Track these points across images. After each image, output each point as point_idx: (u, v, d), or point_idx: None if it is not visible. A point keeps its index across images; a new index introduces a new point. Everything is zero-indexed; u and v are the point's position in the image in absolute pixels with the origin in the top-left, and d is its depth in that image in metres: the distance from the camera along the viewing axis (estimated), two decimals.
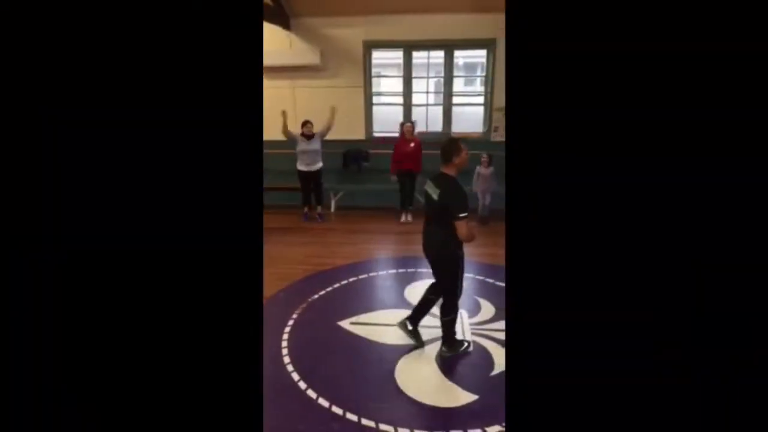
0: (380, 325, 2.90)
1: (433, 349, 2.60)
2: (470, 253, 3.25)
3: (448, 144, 2.34)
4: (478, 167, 5.08)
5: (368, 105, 5.88)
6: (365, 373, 2.40)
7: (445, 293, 2.48)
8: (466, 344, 2.62)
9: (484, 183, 5.07)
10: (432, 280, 2.61)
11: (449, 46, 5.64)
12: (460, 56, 6.52)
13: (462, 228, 2.21)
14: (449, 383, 2.32)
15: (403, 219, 5.31)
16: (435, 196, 2.29)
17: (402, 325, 2.68)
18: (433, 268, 2.50)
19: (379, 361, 2.50)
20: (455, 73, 5.96)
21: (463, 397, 2.19)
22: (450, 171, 2.31)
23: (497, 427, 1.98)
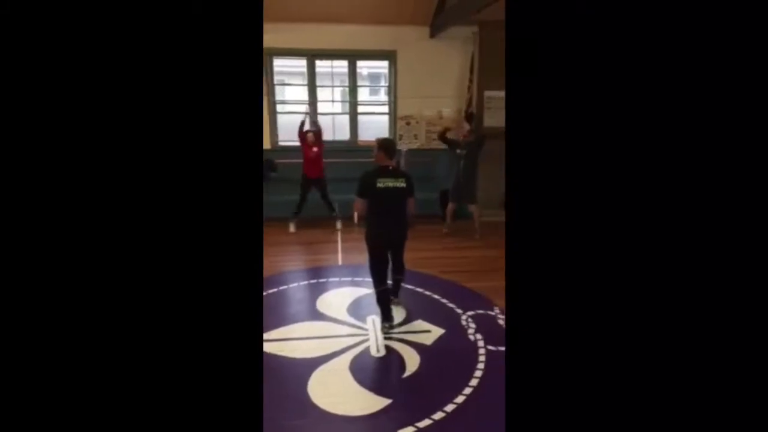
0: (292, 340, 2.82)
1: (346, 359, 2.59)
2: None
3: (391, 142, 2.93)
4: None
5: (272, 113, 5.73)
6: (277, 391, 2.31)
7: (401, 261, 3.12)
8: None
9: None
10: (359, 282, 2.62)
11: (352, 56, 5.73)
12: (364, 66, 6.66)
13: (414, 203, 2.92)
14: (363, 390, 2.33)
15: (291, 229, 5.13)
16: (402, 184, 2.80)
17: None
18: (399, 249, 3.05)
19: (291, 377, 2.43)
20: (360, 83, 6.06)
21: (376, 403, 2.21)
22: (393, 164, 2.85)
23: (411, 428, 2.03)
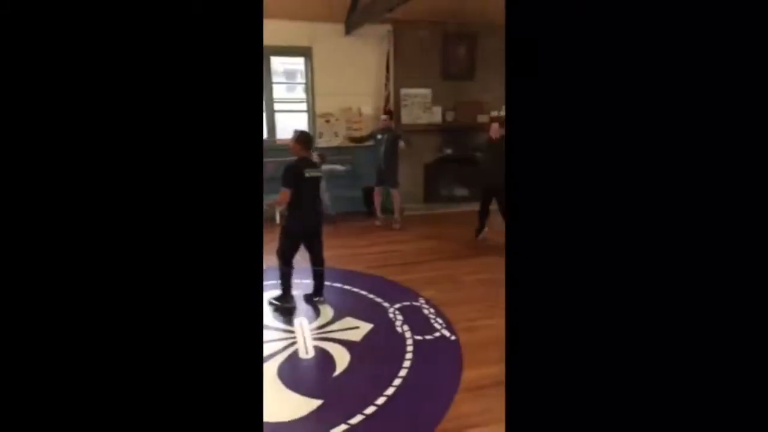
0: None
1: (273, 365, 2.51)
2: (305, 258, 3.25)
3: (308, 135, 3.22)
4: None
5: None
6: None
7: (321, 252, 3.21)
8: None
9: None
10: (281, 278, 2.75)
11: (266, 52, 5.53)
12: (280, 63, 6.48)
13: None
14: (292, 395, 2.27)
15: None
16: (320, 174, 3.13)
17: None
18: (318, 238, 3.17)
19: None
20: (275, 80, 5.88)
21: (307, 406, 2.18)
22: (311, 155, 3.15)
23: (343, 426, 2.03)
